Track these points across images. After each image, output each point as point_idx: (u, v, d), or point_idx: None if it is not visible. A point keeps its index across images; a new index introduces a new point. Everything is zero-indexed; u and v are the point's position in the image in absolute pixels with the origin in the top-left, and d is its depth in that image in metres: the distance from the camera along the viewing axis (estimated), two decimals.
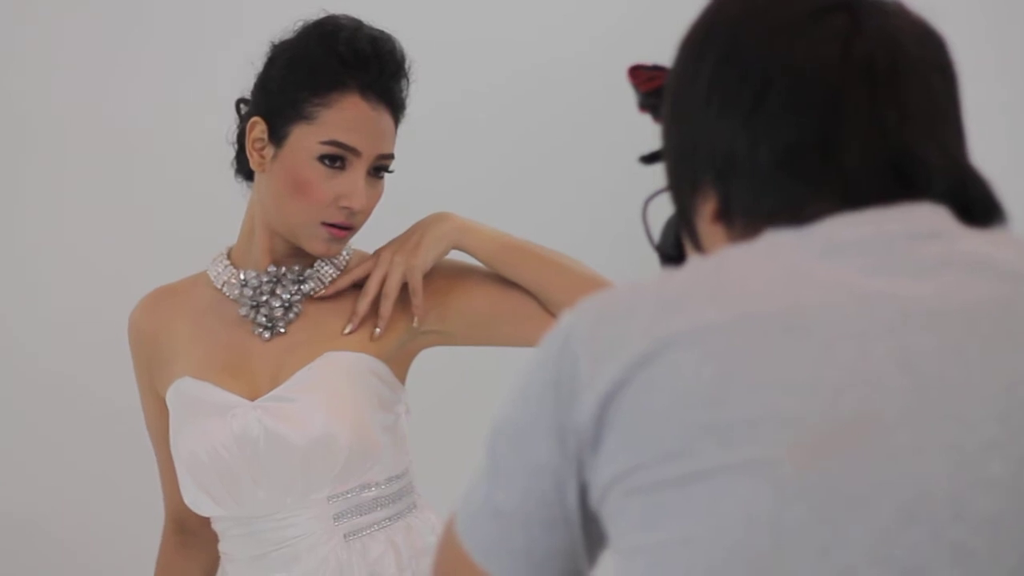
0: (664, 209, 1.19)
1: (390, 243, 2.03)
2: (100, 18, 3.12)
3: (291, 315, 2.02)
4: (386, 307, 1.99)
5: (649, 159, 1.21)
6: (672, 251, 1.21)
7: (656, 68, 1.22)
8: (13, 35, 3.13)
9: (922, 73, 1.05)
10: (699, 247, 1.11)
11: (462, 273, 2.04)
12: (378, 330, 2.00)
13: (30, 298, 3.13)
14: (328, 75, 1.93)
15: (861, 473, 0.94)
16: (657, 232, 1.24)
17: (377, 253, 2.03)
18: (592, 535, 1.06)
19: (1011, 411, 0.96)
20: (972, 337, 0.97)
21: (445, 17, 3.18)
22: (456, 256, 2.05)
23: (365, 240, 2.05)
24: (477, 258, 2.02)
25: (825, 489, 0.94)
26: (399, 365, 2.04)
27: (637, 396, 0.99)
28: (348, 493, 1.98)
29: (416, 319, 2.00)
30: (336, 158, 1.94)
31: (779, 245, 1.03)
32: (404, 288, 2.00)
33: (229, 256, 2.08)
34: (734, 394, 0.96)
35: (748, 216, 1.06)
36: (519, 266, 1.99)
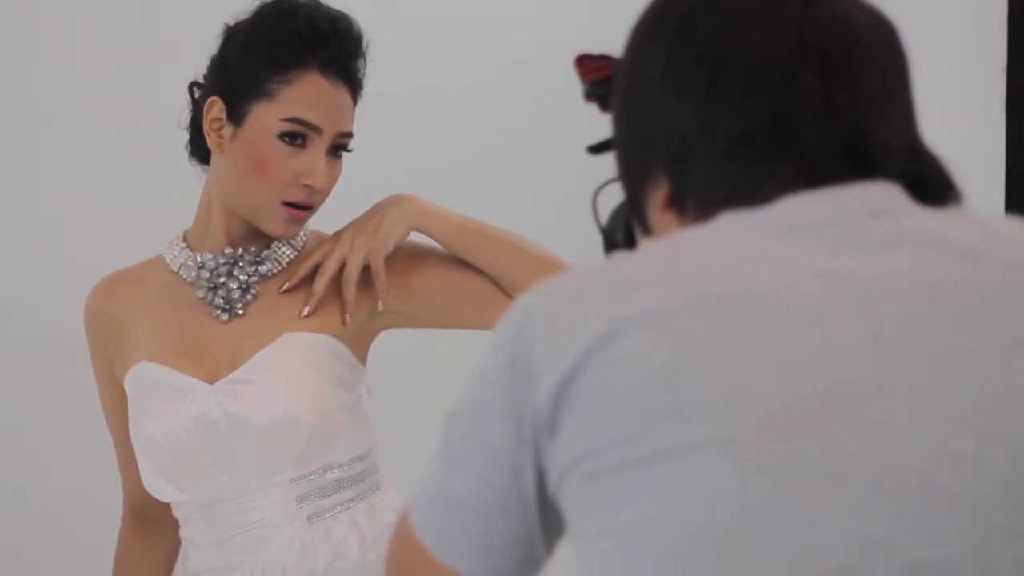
0: (616, 198, 1.18)
1: (349, 225, 2.01)
2: (111, 16, 3.10)
3: (249, 296, 2.01)
4: (349, 292, 1.98)
5: (597, 149, 1.21)
6: (618, 238, 1.21)
7: (603, 57, 1.22)
8: (23, 33, 3.11)
9: (875, 57, 1.06)
10: (650, 235, 1.11)
11: (423, 255, 2.03)
12: (347, 316, 1.99)
13: (35, 296, 3.12)
14: (288, 52, 1.92)
15: (828, 448, 0.94)
16: (606, 219, 1.23)
17: (337, 235, 2.02)
18: (550, 521, 1.05)
19: (979, 387, 0.96)
20: (937, 313, 0.97)
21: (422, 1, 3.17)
22: (415, 238, 2.04)
23: (331, 224, 2.04)
24: (437, 240, 2.01)
25: (791, 464, 0.94)
26: (359, 345, 2.03)
27: (595, 378, 0.98)
28: (311, 475, 1.97)
29: (380, 302, 1.99)
30: (297, 135, 1.93)
31: (735, 226, 1.03)
32: (364, 269, 1.99)
33: (185, 239, 2.06)
34: (693, 374, 0.96)
35: (702, 200, 1.06)
36: (478, 249, 1.99)
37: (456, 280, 2.00)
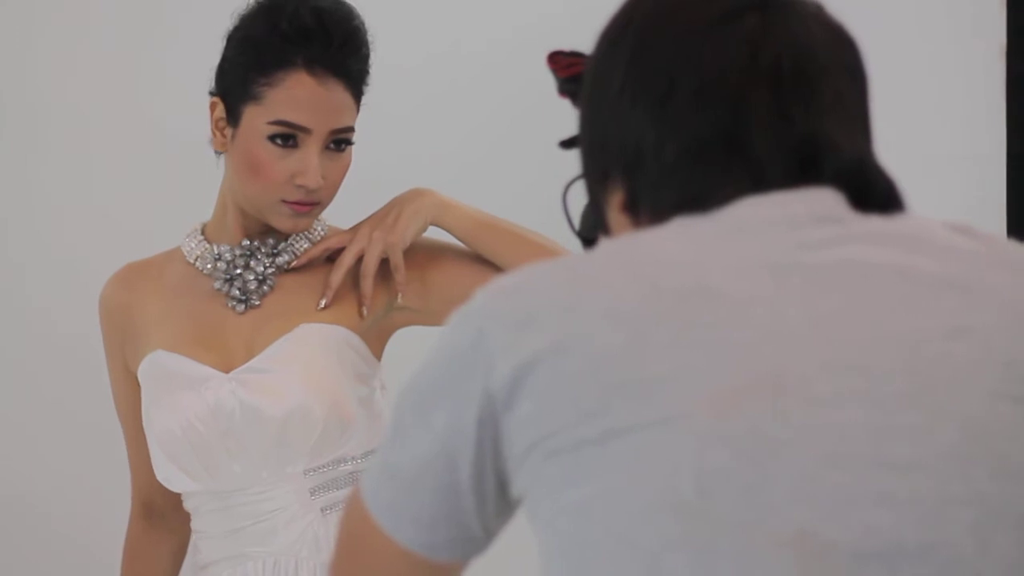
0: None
1: (368, 219, 2.02)
2: (113, 16, 3.12)
3: (265, 288, 2.02)
4: (366, 285, 1.98)
5: (568, 144, 1.23)
6: (592, 235, 1.23)
7: (575, 54, 1.25)
8: (30, 32, 3.13)
9: (830, 74, 1.09)
10: (609, 234, 1.15)
11: (440, 250, 2.04)
12: (365, 310, 2.00)
13: (38, 294, 3.15)
14: (272, 53, 1.91)
15: (779, 422, 0.98)
16: (577, 216, 1.26)
17: (355, 228, 2.02)
18: (489, 504, 1.08)
19: (918, 367, 1.00)
20: (876, 299, 1.02)
21: None
22: (432, 232, 2.04)
23: (329, 213, 2.04)
24: (454, 235, 2.02)
25: (745, 436, 0.98)
26: (375, 340, 2.04)
27: (550, 367, 1.01)
28: (324, 467, 1.98)
29: (400, 295, 2.00)
30: (287, 136, 1.92)
31: (689, 226, 1.06)
32: (382, 264, 2.00)
33: (203, 232, 2.07)
34: (649, 355, 1.00)
35: (653, 209, 1.10)
36: (496, 244, 1.99)
37: (473, 276, 1.98)
